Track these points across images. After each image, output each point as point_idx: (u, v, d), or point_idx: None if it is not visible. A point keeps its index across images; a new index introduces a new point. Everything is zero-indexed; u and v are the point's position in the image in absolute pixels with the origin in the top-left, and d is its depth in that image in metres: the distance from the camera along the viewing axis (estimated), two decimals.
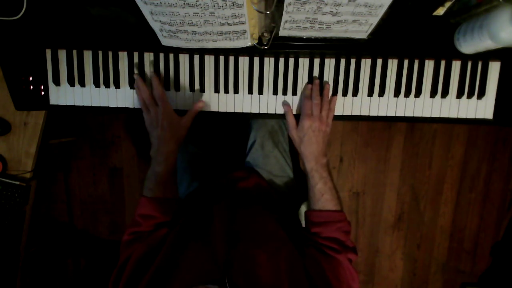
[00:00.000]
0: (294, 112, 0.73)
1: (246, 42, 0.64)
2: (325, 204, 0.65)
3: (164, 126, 0.67)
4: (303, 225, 0.83)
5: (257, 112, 0.74)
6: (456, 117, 0.74)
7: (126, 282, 0.53)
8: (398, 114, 0.74)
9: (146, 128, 0.70)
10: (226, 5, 0.54)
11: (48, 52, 0.72)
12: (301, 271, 0.52)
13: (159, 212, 0.67)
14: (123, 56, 0.72)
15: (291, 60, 0.72)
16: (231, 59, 0.72)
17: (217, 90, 0.73)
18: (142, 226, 0.65)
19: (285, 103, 0.73)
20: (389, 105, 0.74)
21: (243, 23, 0.58)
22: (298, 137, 0.70)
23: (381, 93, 0.72)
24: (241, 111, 0.75)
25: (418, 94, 0.72)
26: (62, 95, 0.74)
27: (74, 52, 0.72)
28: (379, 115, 0.74)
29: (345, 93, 0.73)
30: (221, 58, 0.72)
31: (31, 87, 0.73)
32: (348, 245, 0.62)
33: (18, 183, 0.87)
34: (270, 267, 0.50)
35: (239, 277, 0.47)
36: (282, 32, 0.63)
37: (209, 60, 0.72)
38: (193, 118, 0.71)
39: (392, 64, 0.72)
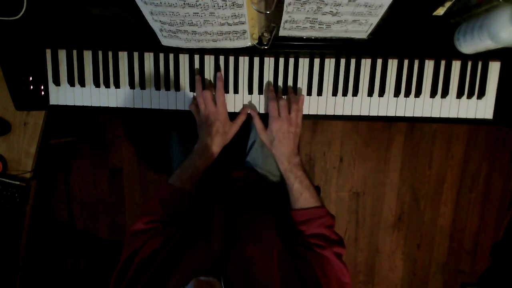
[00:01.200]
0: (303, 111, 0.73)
1: (246, 42, 0.64)
2: (305, 202, 0.65)
3: (219, 130, 0.70)
4: None
5: (257, 112, 0.74)
6: (456, 117, 0.74)
7: (128, 282, 0.53)
8: (398, 114, 0.74)
9: (196, 120, 0.72)
10: (226, 5, 0.54)
11: (48, 52, 0.72)
12: (293, 270, 0.53)
13: (182, 205, 0.67)
14: (123, 56, 0.72)
15: (291, 60, 0.72)
16: (231, 59, 0.72)
17: None
18: (159, 214, 0.63)
19: (251, 107, 0.73)
20: (389, 105, 0.74)
21: (243, 23, 0.58)
22: (268, 140, 0.70)
23: (381, 93, 0.72)
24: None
25: (418, 94, 0.72)
26: (62, 95, 0.74)
27: (74, 52, 0.72)
28: (379, 115, 0.74)
29: (345, 93, 0.73)
30: (221, 58, 0.72)
31: (31, 87, 0.73)
32: (333, 239, 0.62)
33: (18, 183, 0.87)
34: (264, 266, 0.51)
35: (234, 274, 0.48)
36: (282, 32, 0.63)
37: (209, 60, 0.72)
38: (242, 123, 0.74)
39: (392, 64, 0.72)
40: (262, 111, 0.74)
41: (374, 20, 0.59)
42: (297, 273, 0.53)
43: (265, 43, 0.66)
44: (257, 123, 0.71)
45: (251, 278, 0.48)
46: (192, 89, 0.73)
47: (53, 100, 0.75)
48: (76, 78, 0.73)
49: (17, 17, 0.66)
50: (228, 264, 0.50)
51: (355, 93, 0.73)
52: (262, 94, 0.73)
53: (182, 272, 0.49)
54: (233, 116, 0.75)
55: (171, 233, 0.59)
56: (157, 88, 0.74)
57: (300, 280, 0.52)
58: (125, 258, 0.55)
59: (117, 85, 0.74)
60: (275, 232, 0.61)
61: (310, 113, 0.74)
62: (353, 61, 0.72)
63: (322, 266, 0.58)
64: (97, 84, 0.73)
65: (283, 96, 0.73)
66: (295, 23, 0.60)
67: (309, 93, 0.73)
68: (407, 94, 0.73)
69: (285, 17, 0.58)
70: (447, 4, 0.62)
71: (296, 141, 0.69)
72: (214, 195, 0.80)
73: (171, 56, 0.72)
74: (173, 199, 0.67)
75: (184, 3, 0.54)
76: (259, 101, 0.74)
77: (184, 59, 0.72)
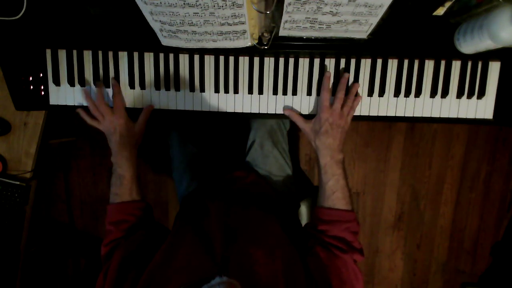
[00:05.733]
0: (303, 112, 0.73)
1: (246, 42, 0.64)
2: (335, 202, 0.64)
3: (123, 134, 0.70)
4: (303, 225, 0.83)
5: (257, 112, 0.74)
6: (456, 117, 0.74)
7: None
8: (398, 114, 0.74)
9: (102, 131, 0.73)
10: (226, 5, 0.54)
11: (48, 52, 0.72)
12: (299, 269, 0.52)
13: (130, 214, 0.68)
14: (123, 56, 0.72)
15: (291, 60, 0.72)
16: (231, 59, 0.72)
17: (217, 90, 0.73)
18: (114, 232, 0.66)
19: (285, 108, 0.73)
20: (389, 105, 0.74)
21: (243, 23, 0.58)
22: (313, 130, 0.68)
23: (381, 93, 0.72)
24: (241, 111, 0.75)
25: (418, 94, 0.72)
26: (62, 95, 0.74)
27: (74, 52, 0.72)
28: (379, 115, 0.74)
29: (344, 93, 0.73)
30: (221, 58, 0.72)
31: (31, 87, 0.73)
32: (355, 246, 0.61)
33: (18, 183, 0.87)
34: (266, 265, 0.50)
35: (236, 274, 0.47)
36: (282, 32, 0.63)
37: (209, 60, 0.72)
38: (146, 121, 0.74)
39: (392, 64, 0.72)
40: (262, 111, 0.74)
41: (374, 20, 0.59)
42: (305, 272, 0.52)
43: (265, 43, 0.66)
44: (298, 119, 0.70)
45: (253, 278, 0.48)
46: (192, 89, 0.73)
47: (53, 100, 0.75)
48: (76, 78, 0.73)
49: (17, 17, 0.67)
50: (230, 264, 0.50)
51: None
52: (262, 94, 0.73)
53: (182, 272, 0.49)
54: (231, 115, 0.75)
55: (136, 241, 0.62)
56: (157, 88, 0.74)
57: (307, 280, 0.51)
58: (100, 276, 0.58)
59: None
60: (276, 231, 0.61)
61: (310, 113, 0.74)
62: (353, 61, 0.72)
63: (337, 269, 0.56)
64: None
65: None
66: (295, 23, 0.60)
67: (309, 93, 0.73)
68: (407, 94, 0.73)
69: (285, 17, 0.58)
70: (447, 4, 0.62)
71: (343, 138, 0.67)
72: (214, 194, 0.80)
73: (171, 56, 0.72)
74: (120, 215, 0.68)
75: (184, 3, 0.54)
76: (258, 101, 0.74)
77: (184, 59, 0.72)
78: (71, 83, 0.73)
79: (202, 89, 0.74)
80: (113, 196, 0.70)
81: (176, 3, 0.54)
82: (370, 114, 0.74)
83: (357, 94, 0.71)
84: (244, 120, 0.98)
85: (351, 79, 0.72)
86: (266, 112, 0.74)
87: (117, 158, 0.70)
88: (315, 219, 0.66)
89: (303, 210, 0.96)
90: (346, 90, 0.70)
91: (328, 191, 0.64)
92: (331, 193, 0.64)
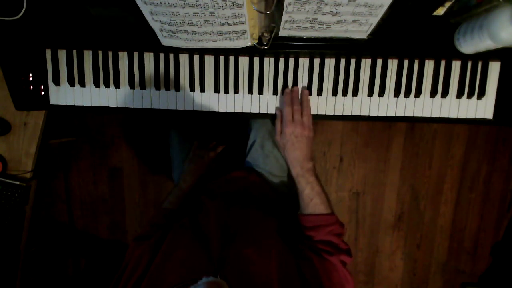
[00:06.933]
0: None
1: (246, 42, 0.64)
2: (314, 209, 0.65)
3: (197, 172, 0.87)
4: None
5: (257, 112, 0.75)
6: (456, 117, 0.74)
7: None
8: (398, 114, 0.74)
9: (190, 157, 0.90)
10: (226, 5, 0.54)
11: (48, 52, 0.72)
12: (293, 270, 0.53)
13: (167, 220, 0.74)
14: (123, 56, 0.72)
15: (291, 60, 0.72)
16: (231, 59, 0.72)
17: (217, 90, 0.73)
18: (151, 237, 0.65)
19: (278, 108, 0.74)
20: (389, 105, 0.74)
21: (243, 23, 0.58)
22: (282, 143, 0.70)
23: (381, 93, 0.72)
24: (241, 111, 0.75)
25: (418, 94, 0.72)
26: (62, 95, 0.74)
27: (74, 52, 0.72)
28: (379, 115, 0.74)
29: (345, 93, 0.73)
30: (221, 58, 0.72)
31: (31, 87, 0.73)
32: (341, 248, 0.62)
33: (18, 183, 0.87)
34: (262, 265, 0.51)
35: (231, 273, 0.48)
36: (282, 32, 0.63)
37: (209, 60, 0.72)
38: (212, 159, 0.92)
39: (392, 64, 0.72)
40: (262, 111, 0.74)
41: (374, 20, 0.59)
42: (298, 273, 0.53)
43: (265, 43, 0.65)
44: (278, 125, 0.72)
45: (248, 278, 0.48)
46: (192, 89, 0.73)
47: (53, 100, 0.75)
48: (76, 78, 0.73)
49: (17, 17, 0.67)
50: (226, 264, 0.50)
51: (355, 93, 0.73)
52: (262, 94, 0.73)
53: (178, 271, 0.50)
54: (231, 115, 0.75)
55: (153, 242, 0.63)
56: (157, 88, 0.74)
57: (301, 281, 0.52)
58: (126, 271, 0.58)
59: (117, 85, 0.74)
60: (274, 233, 0.61)
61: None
62: (353, 61, 0.72)
63: (327, 271, 0.57)
64: (97, 84, 0.73)
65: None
66: (295, 23, 0.60)
67: (309, 93, 0.73)
68: (407, 94, 0.73)
69: (285, 17, 0.58)
70: (447, 4, 0.62)
71: (309, 146, 0.69)
72: (213, 194, 0.80)
73: (171, 56, 0.72)
74: (163, 219, 0.75)
75: (184, 3, 0.54)
76: (258, 101, 0.74)
77: (184, 59, 0.73)
78: (71, 83, 0.73)
79: (202, 89, 0.74)
80: (166, 203, 0.80)
81: (176, 3, 0.54)
82: (370, 114, 0.74)
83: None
84: (244, 120, 0.98)
85: (352, 79, 0.72)
86: (266, 112, 0.74)
87: (185, 177, 0.84)
88: (300, 227, 0.67)
89: None
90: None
91: (306, 199, 0.66)
92: (309, 200, 0.65)
